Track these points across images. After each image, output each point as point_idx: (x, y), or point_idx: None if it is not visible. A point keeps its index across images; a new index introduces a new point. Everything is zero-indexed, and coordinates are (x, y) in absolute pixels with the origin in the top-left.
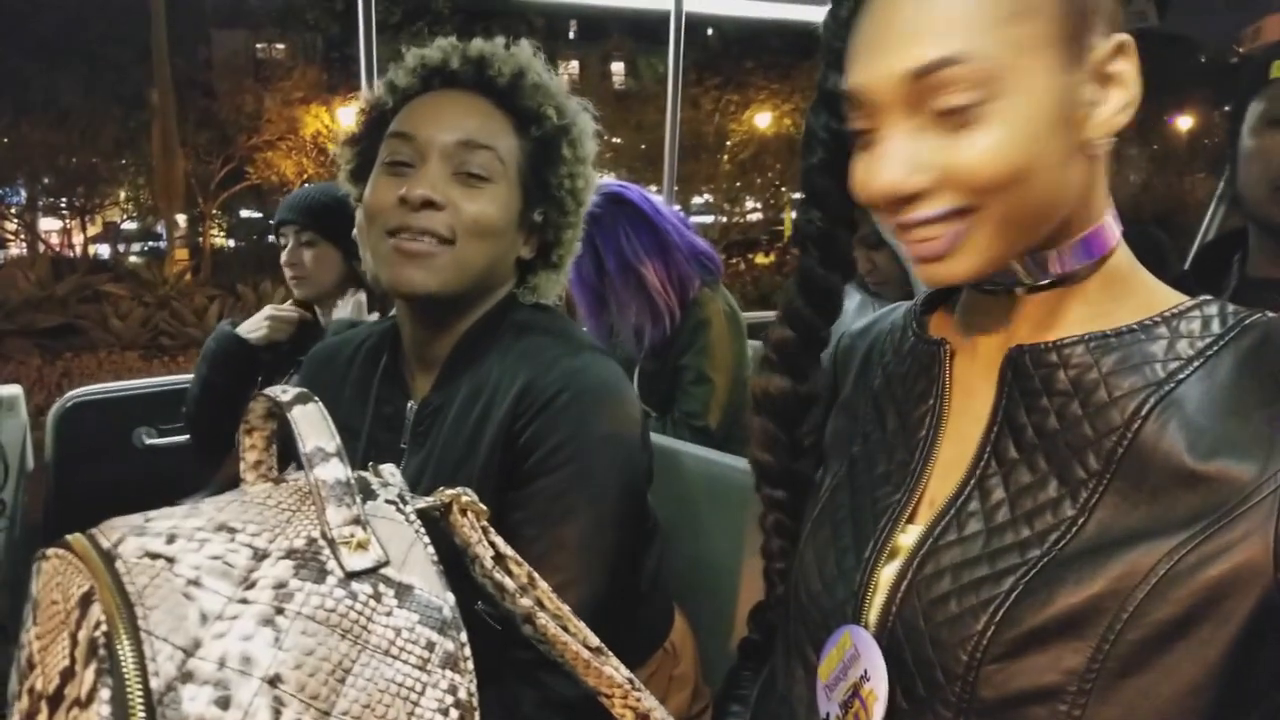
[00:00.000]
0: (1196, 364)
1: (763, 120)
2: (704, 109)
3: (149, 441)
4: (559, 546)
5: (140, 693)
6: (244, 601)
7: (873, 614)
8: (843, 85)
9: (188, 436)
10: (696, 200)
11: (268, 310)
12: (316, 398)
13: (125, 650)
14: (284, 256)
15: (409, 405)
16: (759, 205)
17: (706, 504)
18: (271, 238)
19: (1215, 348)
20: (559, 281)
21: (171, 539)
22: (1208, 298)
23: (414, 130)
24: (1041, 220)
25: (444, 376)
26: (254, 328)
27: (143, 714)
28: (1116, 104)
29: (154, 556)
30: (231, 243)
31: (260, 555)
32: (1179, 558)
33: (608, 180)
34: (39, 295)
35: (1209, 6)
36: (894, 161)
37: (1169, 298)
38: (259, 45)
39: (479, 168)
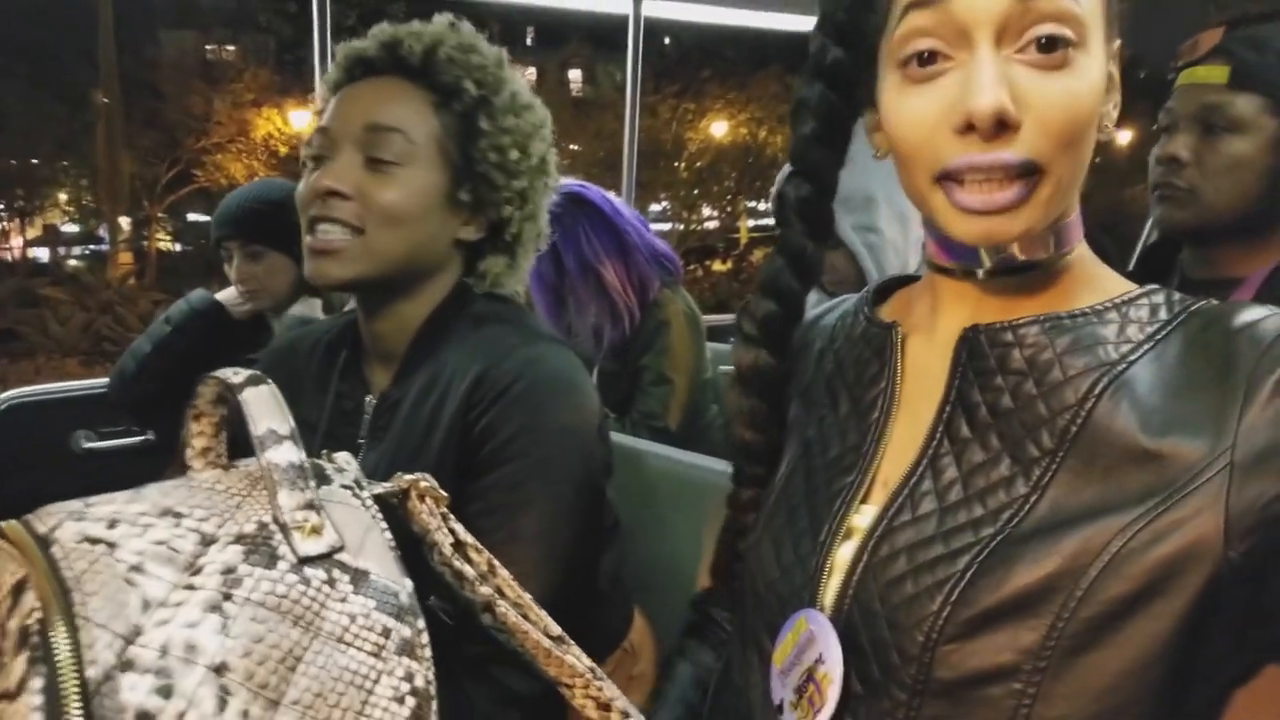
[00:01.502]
0: (1146, 347)
1: (719, 129)
2: (661, 117)
3: (87, 445)
4: (515, 538)
5: (75, 682)
6: (189, 588)
7: (829, 597)
8: (925, 4)
9: (128, 439)
10: (654, 208)
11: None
12: (269, 380)
13: (60, 638)
14: (233, 274)
15: (368, 399)
16: (716, 213)
17: (668, 503)
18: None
19: (1164, 332)
20: (517, 269)
21: (113, 524)
22: (1155, 286)
23: (330, 122)
24: (1077, 192)
25: (403, 370)
26: (235, 299)
27: (78, 704)
28: (1113, 101)
29: (93, 541)
30: (178, 246)
31: (207, 540)
32: (1132, 535)
33: (569, 180)
34: None
35: (1148, 24)
36: (997, 82)
37: (1119, 286)
38: (209, 47)
39: (388, 153)
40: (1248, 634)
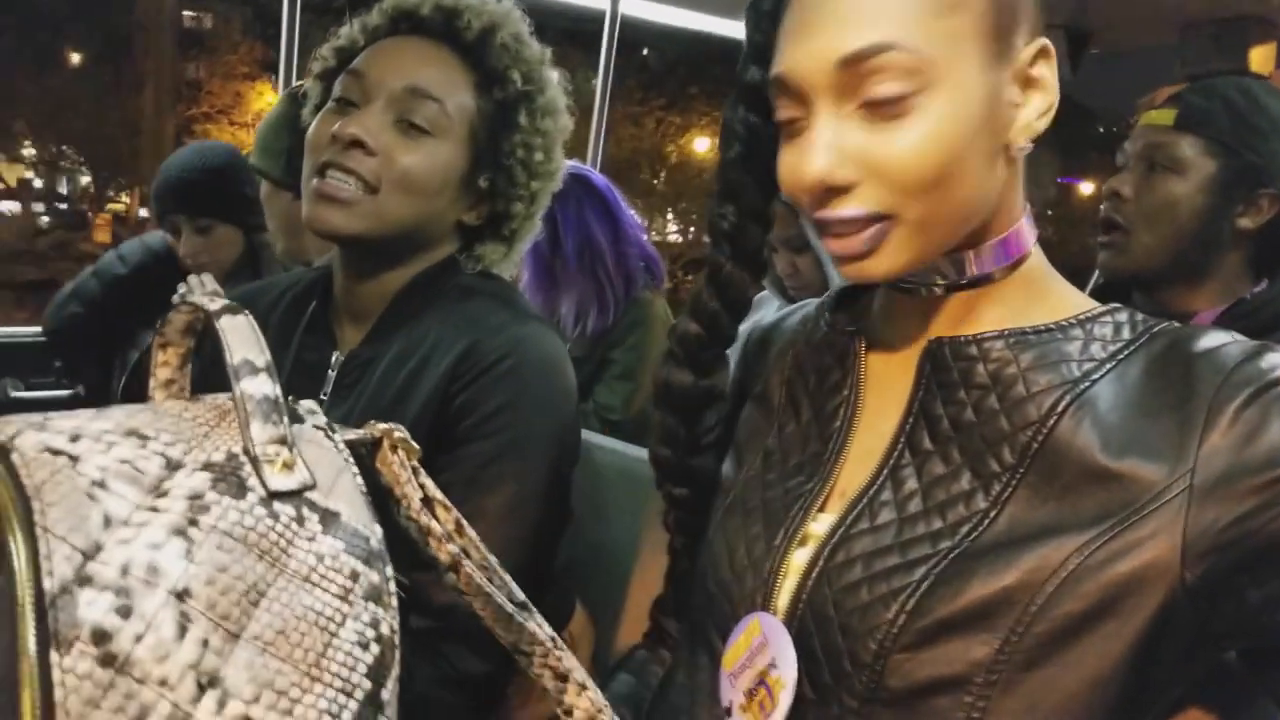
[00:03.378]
0: (1109, 366)
1: (702, 144)
2: (646, 128)
3: (15, 394)
4: (480, 515)
5: (31, 592)
6: (154, 510)
7: (782, 600)
8: (772, 71)
9: (56, 392)
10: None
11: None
12: (247, 310)
13: (19, 545)
14: (181, 249)
15: (335, 355)
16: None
17: (613, 495)
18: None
19: (1126, 351)
20: (510, 258)
21: (75, 438)
22: (1118, 305)
23: (366, 69)
24: (962, 222)
25: (377, 330)
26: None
27: (32, 616)
28: (1037, 107)
29: (55, 453)
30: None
31: (174, 465)
32: (1088, 554)
33: (572, 162)
34: None
35: (1107, 79)
36: (822, 150)
37: (1082, 302)
38: (187, 14)
39: (423, 119)
40: (1197, 656)
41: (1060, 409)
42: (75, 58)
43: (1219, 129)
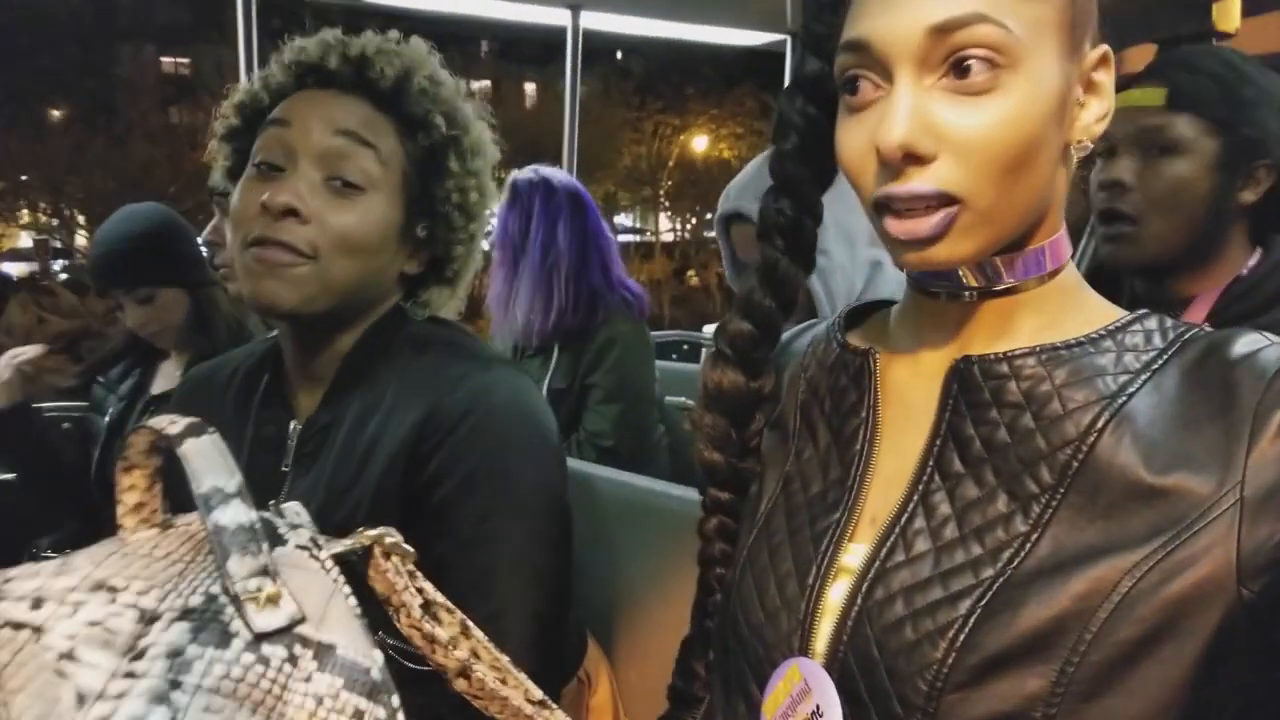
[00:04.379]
0: (1144, 377)
1: (700, 144)
2: (645, 132)
3: None
4: (487, 573)
5: None
6: (130, 675)
7: (820, 643)
8: (849, 35)
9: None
10: (664, 223)
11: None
12: (212, 428)
13: None
14: (130, 321)
15: (293, 425)
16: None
17: (619, 527)
18: None
19: (1159, 361)
20: (457, 297)
21: (38, 603)
22: (1145, 311)
23: (290, 117)
24: (1023, 217)
25: (332, 394)
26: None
27: None
28: (1096, 112)
29: (16, 626)
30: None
31: (149, 618)
32: (1141, 575)
33: (562, 174)
34: None
35: None
36: (906, 117)
37: (1109, 312)
38: (164, 60)
39: (355, 174)
40: (1257, 671)
41: (1100, 426)
42: (56, 115)
43: (1212, 106)
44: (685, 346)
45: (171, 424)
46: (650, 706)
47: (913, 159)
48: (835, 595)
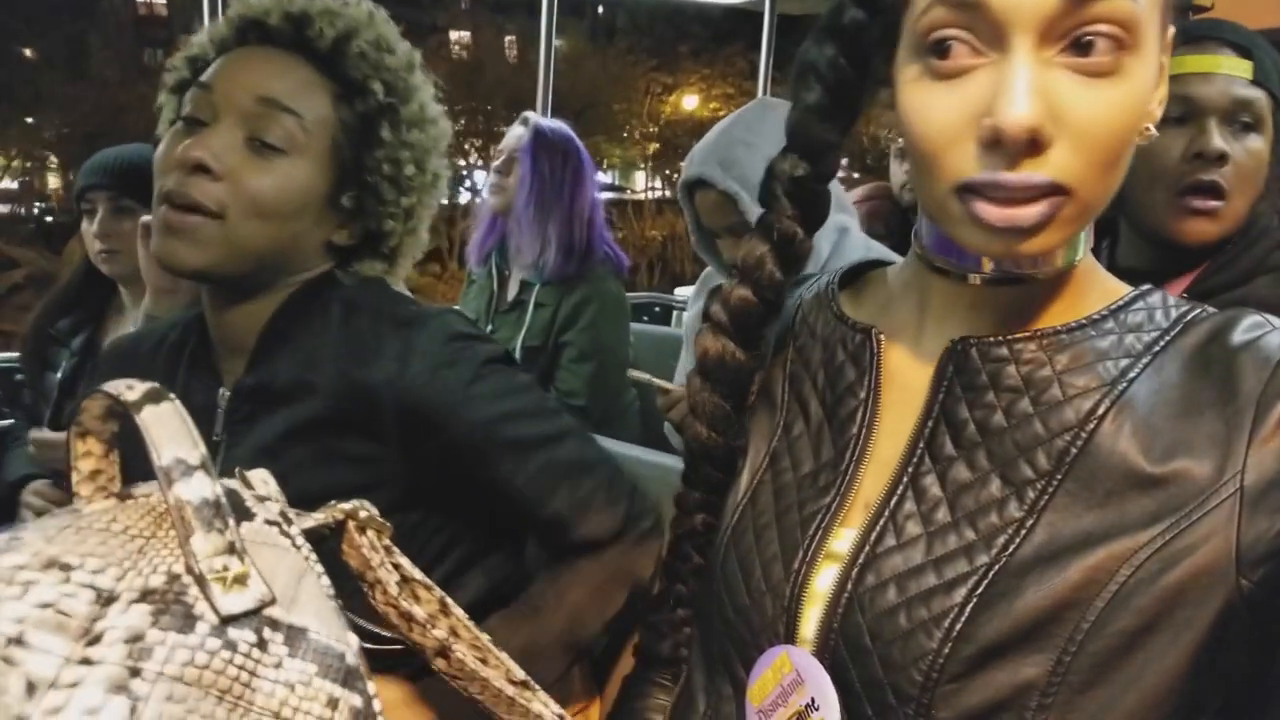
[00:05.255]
0: (1145, 360)
1: (690, 102)
2: (638, 89)
3: None
4: (519, 456)
5: None
6: (86, 662)
7: (809, 629)
8: None
9: None
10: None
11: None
12: (172, 395)
13: None
14: (94, 228)
15: (221, 392)
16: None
17: None
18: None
19: (1161, 343)
20: (395, 273)
21: None
22: (1148, 287)
23: (213, 82)
24: (1104, 208)
25: (259, 356)
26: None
27: None
28: (1161, 94)
29: None
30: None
31: (106, 599)
32: (1140, 563)
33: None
34: None
35: None
36: (1032, 94)
37: (1113, 289)
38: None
39: (277, 137)
40: (1254, 661)
41: (1100, 413)
42: (28, 53)
43: (1276, 85)
44: (657, 309)
45: (129, 389)
46: (618, 668)
47: (1032, 144)
48: (823, 581)
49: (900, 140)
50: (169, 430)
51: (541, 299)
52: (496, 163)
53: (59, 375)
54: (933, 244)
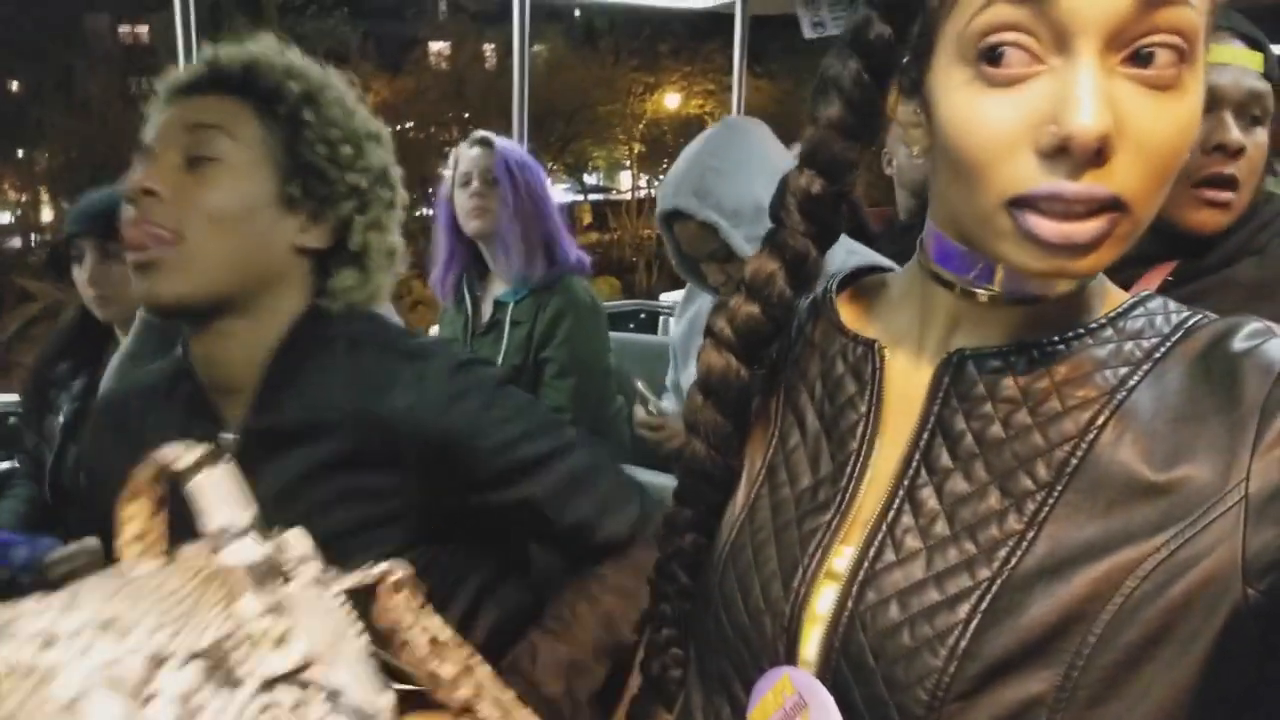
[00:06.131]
0: (1145, 368)
1: (672, 101)
2: (620, 90)
3: None
4: (555, 484)
5: None
6: None
7: (810, 649)
8: None
9: None
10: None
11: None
12: (228, 454)
13: None
14: (85, 275)
15: (222, 437)
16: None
17: None
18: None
19: (1161, 350)
20: (370, 285)
21: (48, 644)
22: (1147, 293)
23: (148, 137)
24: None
25: (264, 397)
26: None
27: None
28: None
29: (27, 671)
30: None
31: (159, 660)
32: (1146, 574)
33: (510, 142)
34: None
35: None
36: (1101, 102)
37: (1114, 296)
38: (122, 29)
39: (210, 150)
40: (1265, 674)
41: (1100, 422)
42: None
43: (1276, 79)
44: (643, 315)
45: (179, 458)
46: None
47: (1098, 154)
48: (823, 601)
49: (899, 154)
50: (219, 494)
51: (516, 316)
52: (473, 186)
53: (60, 419)
54: (938, 256)
